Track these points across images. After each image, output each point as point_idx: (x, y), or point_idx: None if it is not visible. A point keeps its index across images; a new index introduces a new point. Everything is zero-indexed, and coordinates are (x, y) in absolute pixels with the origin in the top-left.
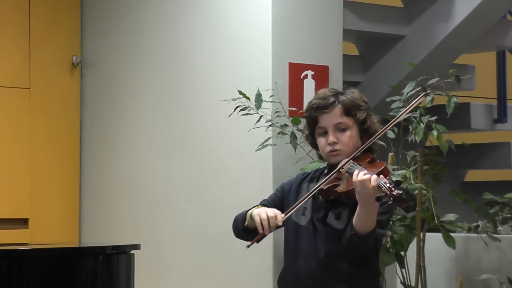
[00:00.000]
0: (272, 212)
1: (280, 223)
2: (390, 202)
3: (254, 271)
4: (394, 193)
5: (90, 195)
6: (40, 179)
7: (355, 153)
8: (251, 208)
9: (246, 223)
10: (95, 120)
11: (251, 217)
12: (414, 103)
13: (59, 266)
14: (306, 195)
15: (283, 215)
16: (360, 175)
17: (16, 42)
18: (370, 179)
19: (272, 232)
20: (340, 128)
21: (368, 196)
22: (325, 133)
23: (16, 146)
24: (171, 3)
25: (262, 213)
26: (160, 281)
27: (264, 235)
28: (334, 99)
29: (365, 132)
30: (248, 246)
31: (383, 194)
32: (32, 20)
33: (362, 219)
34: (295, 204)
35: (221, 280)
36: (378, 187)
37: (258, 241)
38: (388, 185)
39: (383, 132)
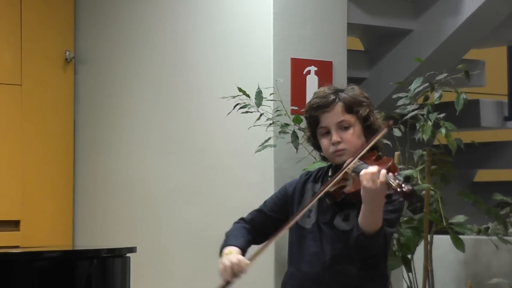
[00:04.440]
0: (236, 259)
1: (244, 272)
2: (400, 199)
3: (255, 276)
4: (404, 190)
5: (84, 196)
6: (32, 179)
7: (359, 152)
8: (228, 246)
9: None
10: (89, 118)
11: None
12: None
13: (51, 270)
14: (310, 201)
15: (248, 261)
16: (368, 170)
17: (6, 37)
18: (377, 174)
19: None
20: (343, 126)
21: (375, 192)
22: (327, 133)
23: (7, 145)
24: None
25: (226, 261)
26: (157, 285)
27: (229, 283)
28: (334, 97)
29: (368, 128)
30: None
31: (393, 191)
32: (24, 13)
33: (368, 217)
34: (268, 240)
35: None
36: (387, 184)
37: None
38: (397, 181)
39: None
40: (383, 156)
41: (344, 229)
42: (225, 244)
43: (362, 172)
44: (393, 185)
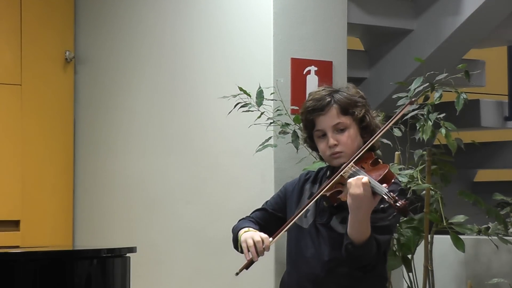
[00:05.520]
0: (259, 236)
1: (267, 249)
2: (394, 213)
3: (255, 276)
4: (398, 204)
5: (84, 196)
6: (32, 179)
7: (355, 155)
8: (242, 228)
9: (238, 248)
10: (89, 118)
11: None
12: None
13: (51, 270)
14: (305, 205)
15: (270, 239)
16: (359, 177)
17: (6, 37)
18: (370, 183)
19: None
20: (339, 129)
21: (361, 200)
22: (323, 136)
23: (7, 145)
24: None
25: (249, 239)
26: (157, 285)
27: (252, 261)
28: (329, 99)
29: (365, 129)
30: (237, 274)
31: (387, 204)
32: (24, 14)
33: (355, 226)
34: (283, 226)
35: (220, 285)
36: (382, 197)
37: (247, 268)
38: (392, 194)
39: (382, 132)
40: (382, 158)
41: (341, 232)
42: (239, 228)
43: (352, 179)
44: (387, 198)
